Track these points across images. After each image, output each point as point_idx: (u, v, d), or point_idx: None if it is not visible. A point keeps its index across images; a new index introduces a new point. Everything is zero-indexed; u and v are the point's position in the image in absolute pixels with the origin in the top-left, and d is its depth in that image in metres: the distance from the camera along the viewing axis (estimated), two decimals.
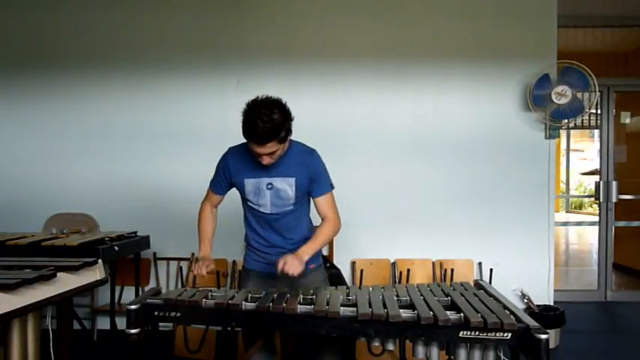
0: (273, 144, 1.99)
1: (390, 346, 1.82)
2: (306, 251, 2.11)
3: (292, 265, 2.00)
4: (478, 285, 2.26)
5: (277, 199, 2.18)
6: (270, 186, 2.16)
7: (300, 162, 2.17)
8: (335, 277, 3.38)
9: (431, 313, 1.75)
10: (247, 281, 2.32)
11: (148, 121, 3.94)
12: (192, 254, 3.85)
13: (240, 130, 2.02)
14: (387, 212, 3.87)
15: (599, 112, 4.94)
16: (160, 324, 2.18)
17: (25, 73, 3.98)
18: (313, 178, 2.19)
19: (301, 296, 1.95)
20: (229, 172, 2.23)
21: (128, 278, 3.67)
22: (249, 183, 2.18)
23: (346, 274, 3.75)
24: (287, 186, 2.16)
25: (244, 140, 2.09)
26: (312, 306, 1.83)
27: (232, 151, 2.26)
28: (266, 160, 2.06)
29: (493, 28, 3.86)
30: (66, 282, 2.10)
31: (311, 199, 2.27)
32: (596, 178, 4.99)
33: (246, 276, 2.34)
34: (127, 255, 3.28)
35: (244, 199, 2.26)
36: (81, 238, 3.00)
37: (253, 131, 1.96)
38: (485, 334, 1.66)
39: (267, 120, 1.94)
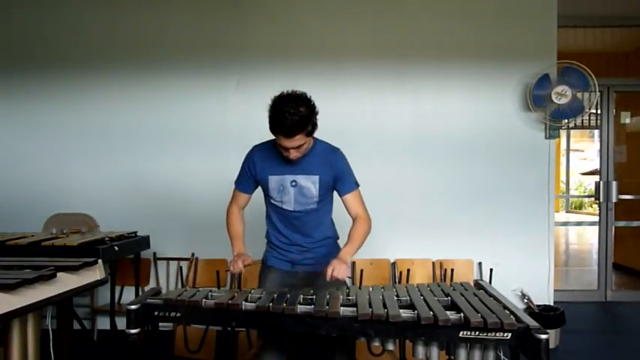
0: (301, 137, 2.02)
1: (390, 346, 1.82)
2: (348, 253, 2.16)
3: (340, 269, 2.06)
4: (478, 285, 2.26)
5: (301, 197, 2.20)
6: (294, 183, 2.19)
7: (324, 160, 2.20)
8: None
9: (431, 313, 1.75)
10: (266, 277, 2.33)
11: (148, 121, 3.94)
12: (192, 254, 3.86)
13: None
14: (387, 212, 3.85)
15: (599, 112, 4.93)
16: (160, 324, 2.18)
17: (25, 73, 3.98)
18: (338, 176, 2.23)
19: (301, 296, 1.95)
20: (255, 169, 2.24)
21: (128, 278, 3.67)
22: (273, 180, 2.20)
23: None
24: (311, 184, 2.19)
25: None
26: (312, 306, 1.83)
27: (258, 148, 2.28)
28: (293, 155, 2.08)
29: (493, 28, 3.86)
30: (66, 282, 2.10)
31: (333, 199, 2.31)
32: (596, 178, 4.99)
33: (266, 272, 2.34)
34: (127, 255, 3.28)
35: (267, 197, 2.27)
36: (81, 238, 3.00)
37: (281, 124, 1.98)
38: (485, 334, 1.67)
39: (294, 112, 1.97)
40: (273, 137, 2.11)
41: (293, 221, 2.25)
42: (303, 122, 1.99)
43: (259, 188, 2.33)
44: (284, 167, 2.17)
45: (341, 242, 2.37)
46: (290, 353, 2.31)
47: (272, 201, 2.26)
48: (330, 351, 2.28)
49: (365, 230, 2.24)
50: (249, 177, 2.27)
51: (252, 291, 2.04)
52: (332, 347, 2.26)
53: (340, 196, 2.27)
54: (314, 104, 2.06)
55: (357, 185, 2.29)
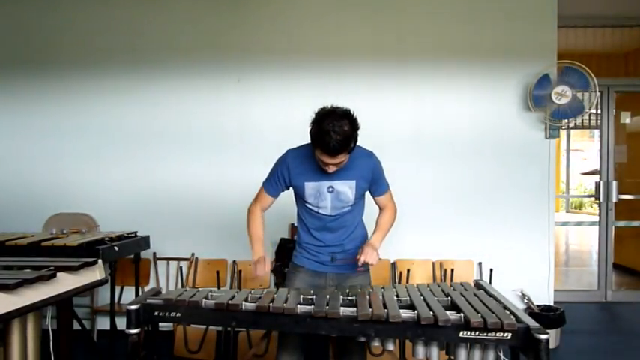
0: (343, 155, 2.03)
1: (390, 346, 1.82)
2: (377, 240, 2.25)
3: (372, 255, 2.14)
4: (478, 285, 2.26)
5: (337, 202, 2.21)
6: (331, 189, 2.19)
7: (360, 165, 2.21)
8: None
9: (431, 313, 1.75)
10: (295, 276, 2.32)
11: (147, 122, 3.93)
12: (192, 254, 3.85)
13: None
14: None
15: (599, 112, 4.94)
16: (160, 324, 2.18)
17: (25, 74, 3.98)
18: (374, 180, 2.26)
19: (301, 296, 1.95)
20: (289, 175, 2.22)
21: (128, 278, 3.66)
22: (310, 187, 2.20)
23: None
24: (348, 189, 2.20)
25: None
26: (312, 306, 1.83)
27: (292, 154, 2.26)
28: (332, 169, 2.09)
29: (493, 28, 3.86)
30: (66, 282, 2.10)
31: (365, 198, 2.34)
32: (596, 178, 4.99)
33: (294, 271, 2.34)
34: (127, 255, 3.27)
35: (302, 201, 2.27)
36: (81, 238, 3.00)
37: (325, 144, 1.97)
38: (485, 334, 1.67)
39: (339, 132, 1.95)
40: (307, 142, 2.10)
41: (328, 224, 2.25)
42: (347, 141, 1.99)
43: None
44: (320, 173, 2.16)
45: None
46: (306, 353, 2.30)
47: (307, 205, 2.25)
48: (346, 351, 2.29)
49: (392, 218, 2.35)
50: (281, 181, 2.25)
51: (253, 291, 2.04)
52: (348, 347, 2.27)
53: (373, 197, 2.33)
54: (357, 120, 2.04)
55: (389, 185, 2.35)
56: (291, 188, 2.29)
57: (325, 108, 2.04)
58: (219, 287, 3.65)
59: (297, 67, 3.88)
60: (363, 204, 2.35)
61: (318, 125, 1.99)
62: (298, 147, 2.26)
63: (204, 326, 3.39)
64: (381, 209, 2.37)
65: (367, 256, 2.13)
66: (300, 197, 2.27)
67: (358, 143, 2.18)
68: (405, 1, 3.91)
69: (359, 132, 2.08)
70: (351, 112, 2.04)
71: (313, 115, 2.03)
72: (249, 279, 3.71)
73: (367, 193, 2.35)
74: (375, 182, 2.27)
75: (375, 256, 2.16)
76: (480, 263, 3.86)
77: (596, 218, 4.93)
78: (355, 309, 1.81)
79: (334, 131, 1.94)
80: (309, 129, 2.04)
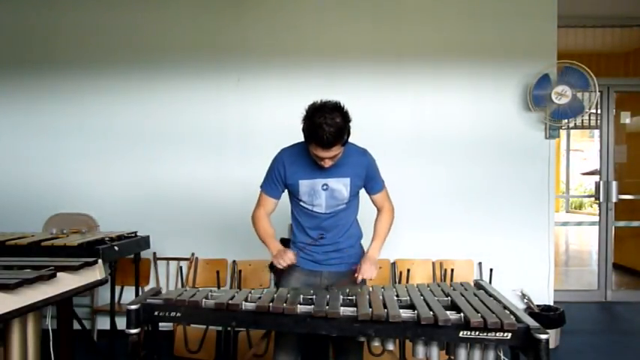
0: (337, 147, 2.03)
1: (390, 346, 1.82)
2: (375, 249, 2.28)
3: (369, 271, 2.19)
4: (478, 285, 2.26)
5: (332, 200, 2.21)
6: (325, 187, 2.19)
7: (354, 162, 2.21)
8: None
9: (431, 313, 1.75)
10: (290, 276, 2.32)
11: (148, 122, 3.93)
12: (192, 254, 3.85)
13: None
14: None
15: (599, 112, 4.94)
16: (160, 324, 2.18)
17: (25, 74, 3.97)
18: (369, 177, 2.27)
19: (301, 296, 1.95)
20: (285, 173, 2.23)
21: (128, 278, 3.66)
22: (304, 184, 2.20)
23: None
24: (342, 186, 2.20)
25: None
26: (312, 306, 1.83)
27: (287, 152, 2.26)
28: (328, 164, 2.10)
29: (493, 28, 3.86)
30: (66, 282, 2.10)
31: (359, 197, 2.35)
32: (596, 178, 4.99)
33: (289, 270, 2.32)
34: (127, 255, 3.28)
35: (296, 200, 2.27)
36: (81, 238, 3.00)
37: (319, 137, 1.97)
38: (485, 334, 1.67)
39: (331, 124, 1.96)
40: (300, 140, 2.11)
41: (322, 223, 2.26)
42: (340, 133, 1.99)
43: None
44: (315, 171, 2.17)
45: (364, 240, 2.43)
46: (306, 353, 2.30)
47: (302, 204, 2.25)
48: (342, 350, 2.29)
49: (389, 221, 2.38)
50: (279, 181, 2.25)
51: (253, 291, 2.04)
52: (344, 346, 2.27)
53: (370, 195, 2.34)
54: (348, 112, 2.04)
55: (384, 184, 2.36)
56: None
57: (315, 103, 2.04)
58: (219, 287, 3.65)
59: (297, 66, 3.88)
60: (357, 203, 2.35)
61: (310, 120, 2.00)
62: (292, 145, 2.26)
63: (204, 326, 3.39)
64: (378, 210, 2.38)
65: (366, 274, 2.18)
66: (294, 196, 2.27)
67: (355, 142, 2.18)
68: (406, 0, 3.91)
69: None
70: (342, 104, 2.05)
71: (304, 112, 2.04)
72: (249, 279, 3.71)
73: (361, 193, 2.34)
74: (369, 179, 2.28)
75: (373, 271, 2.20)
76: (480, 263, 3.86)
77: (596, 218, 4.93)
78: (355, 309, 1.81)
79: (326, 124, 1.95)
80: (301, 126, 2.04)
